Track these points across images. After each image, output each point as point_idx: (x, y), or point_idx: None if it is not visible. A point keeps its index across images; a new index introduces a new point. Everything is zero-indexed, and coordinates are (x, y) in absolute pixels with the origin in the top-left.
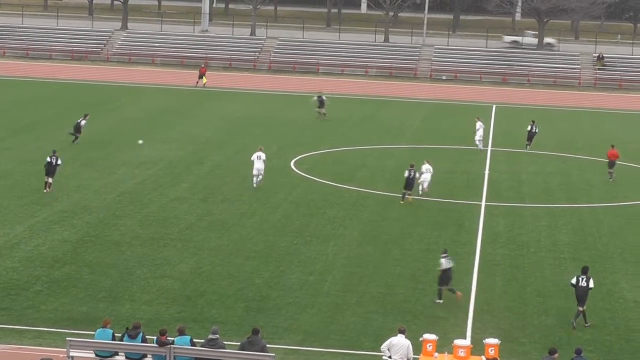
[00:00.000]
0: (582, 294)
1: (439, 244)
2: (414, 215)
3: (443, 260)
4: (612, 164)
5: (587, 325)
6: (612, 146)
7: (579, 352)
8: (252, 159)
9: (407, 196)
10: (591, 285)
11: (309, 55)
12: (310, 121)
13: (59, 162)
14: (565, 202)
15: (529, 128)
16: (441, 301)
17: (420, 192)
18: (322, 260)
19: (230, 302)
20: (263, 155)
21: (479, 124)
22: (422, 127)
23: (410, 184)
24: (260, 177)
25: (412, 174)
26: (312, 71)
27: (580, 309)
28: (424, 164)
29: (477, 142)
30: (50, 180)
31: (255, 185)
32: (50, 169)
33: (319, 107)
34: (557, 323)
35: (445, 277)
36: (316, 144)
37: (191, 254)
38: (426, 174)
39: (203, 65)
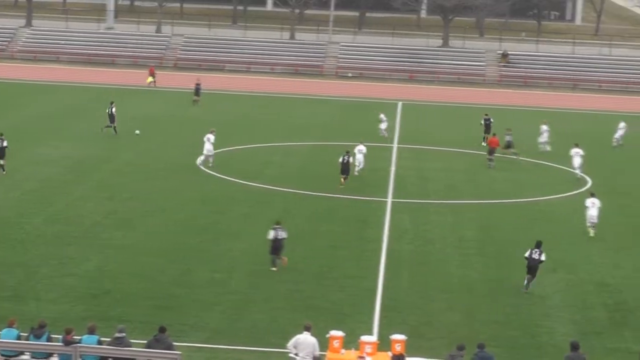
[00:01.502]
0: (532, 265)
1: (345, 240)
2: (321, 211)
3: (272, 231)
4: (491, 151)
5: (526, 290)
6: (494, 134)
7: (481, 347)
8: (204, 139)
9: (343, 180)
10: (542, 258)
11: (215, 53)
12: (216, 119)
13: (5, 144)
14: (470, 198)
15: (484, 121)
16: (275, 269)
17: (356, 173)
18: (229, 257)
19: (136, 300)
20: (212, 137)
21: (382, 115)
22: (328, 124)
23: (344, 168)
24: (205, 157)
25: (346, 158)
26: (219, 68)
27: (530, 276)
28: (357, 145)
29: (383, 132)
30: (2, 162)
31: (201, 166)
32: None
33: (195, 95)
34: (463, 319)
35: (275, 246)
36: (223, 142)
37: (96, 252)
38: (358, 154)
39: (152, 65)
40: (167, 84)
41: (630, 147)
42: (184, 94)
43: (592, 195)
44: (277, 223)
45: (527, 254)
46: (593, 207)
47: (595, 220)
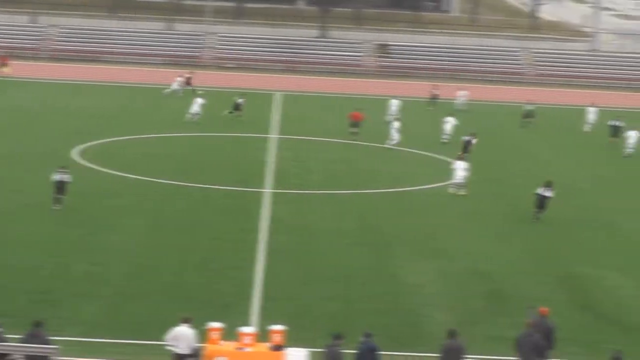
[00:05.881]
0: (539, 200)
1: (226, 231)
2: (201, 203)
3: (57, 175)
4: (354, 124)
5: (536, 220)
6: (357, 109)
7: (368, 335)
8: (193, 101)
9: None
10: (547, 194)
11: (92, 43)
12: (95, 110)
13: None
14: (350, 189)
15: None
16: (58, 207)
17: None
18: (108, 250)
19: (12, 295)
20: (200, 100)
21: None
22: (207, 114)
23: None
24: (196, 116)
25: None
26: (97, 59)
27: (537, 209)
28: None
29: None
30: None
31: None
32: None
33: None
34: (342, 308)
35: (59, 187)
36: (100, 133)
37: None
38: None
39: (3, 54)
40: (42, 75)
41: (509, 137)
42: (59, 85)
43: (460, 158)
44: (62, 167)
45: (537, 191)
46: (460, 169)
47: (463, 181)
